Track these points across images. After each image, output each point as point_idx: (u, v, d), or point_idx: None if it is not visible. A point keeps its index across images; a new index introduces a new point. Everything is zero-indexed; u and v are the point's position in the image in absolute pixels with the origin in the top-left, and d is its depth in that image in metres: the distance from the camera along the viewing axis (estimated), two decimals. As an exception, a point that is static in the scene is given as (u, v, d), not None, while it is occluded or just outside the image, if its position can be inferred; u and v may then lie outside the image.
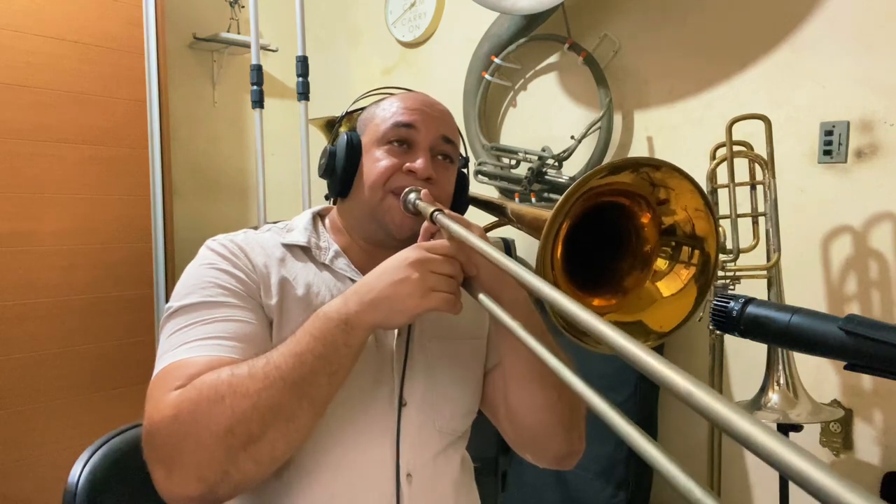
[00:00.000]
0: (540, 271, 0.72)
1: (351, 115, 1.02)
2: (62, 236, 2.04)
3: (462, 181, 0.99)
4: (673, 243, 0.79)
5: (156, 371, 0.77)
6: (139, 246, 2.20)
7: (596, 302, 0.80)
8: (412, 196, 0.86)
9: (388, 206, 0.89)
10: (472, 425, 0.98)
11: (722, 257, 1.52)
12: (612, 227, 0.81)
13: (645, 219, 0.79)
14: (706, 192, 1.54)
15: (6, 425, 1.93)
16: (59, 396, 2.03)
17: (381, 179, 0.89)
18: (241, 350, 0.77)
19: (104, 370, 2.11)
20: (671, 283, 0.79)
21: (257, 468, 0.71)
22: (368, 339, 0.77)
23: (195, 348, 0.76)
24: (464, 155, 1.01)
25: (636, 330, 0.78)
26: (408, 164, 0.89)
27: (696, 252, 0.77)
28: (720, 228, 1.55)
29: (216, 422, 0.68)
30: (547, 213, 0.77)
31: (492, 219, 1.08)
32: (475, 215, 1.10)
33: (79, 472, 0.90)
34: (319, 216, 1.01)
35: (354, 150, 0.92)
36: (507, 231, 2.11)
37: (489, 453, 1.94)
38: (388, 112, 0.92)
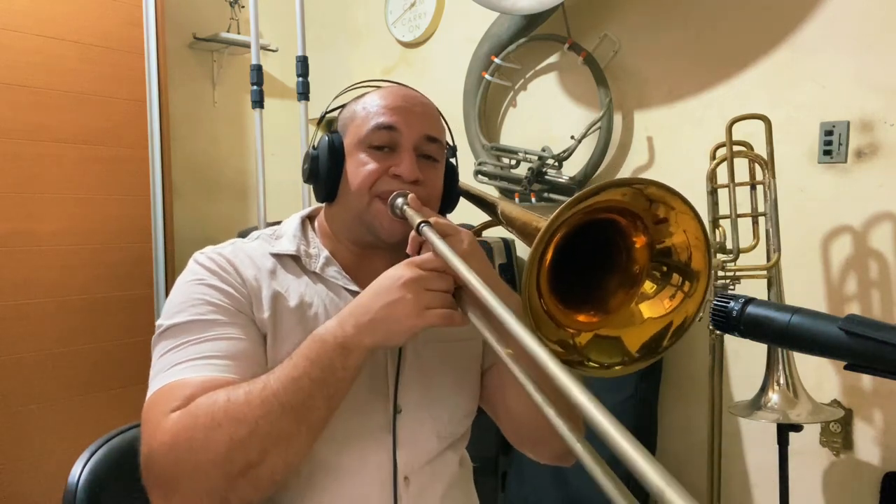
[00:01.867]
0: (526, 298, 0.71)
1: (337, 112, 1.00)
2: (62, 236, 2.04)
3: (451, 173, 0.97)
4: (664, 268, 0.77)
5: (149, 392, 0.76)
6: (139, 246, 2.20)
7: (581, 318, 0.79)
8: (399, 201, 0.84)
9: (376, 212, 0.87)
10: (473, 425, 0.98)
11: (722, 257, 1.52)
12: (604, 243, 0.80)
13: (638, 238, 0.77)
14: (706, 192, 1.55)
15: (6, 425, 1.93)
16: (59, 396, 2.03)
17: (367, 185, 0.87)
18: (234, 368, 0.77)
19: (104, 370, 2.11)
20: (654, 308, 0.77)
21: (256, 492, 0.71)
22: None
23: (188, 369, 0.75)
24: (451, 144, 0.98)
25: (613, 347, 0.77)
26: (393, 169, 0.87)
27: (686, 284, 0.75)
28: (719, 237, 1.55)
29: (214, 449, 0.68)
30: (537, 220, 0.76)
31: (486, 216, 1.07)
32: (469, 211, 1.09)
33: (79, 472, 0.91)
34: (309, 219, 0.99)
35: (337, 153, 0.90)
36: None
37: (489, 453, 1.94)
38: (368, 112, 0.90)
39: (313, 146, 0.93)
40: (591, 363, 0.75)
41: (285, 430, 0.70)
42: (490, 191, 2.26)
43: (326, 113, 1.01)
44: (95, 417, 2.08)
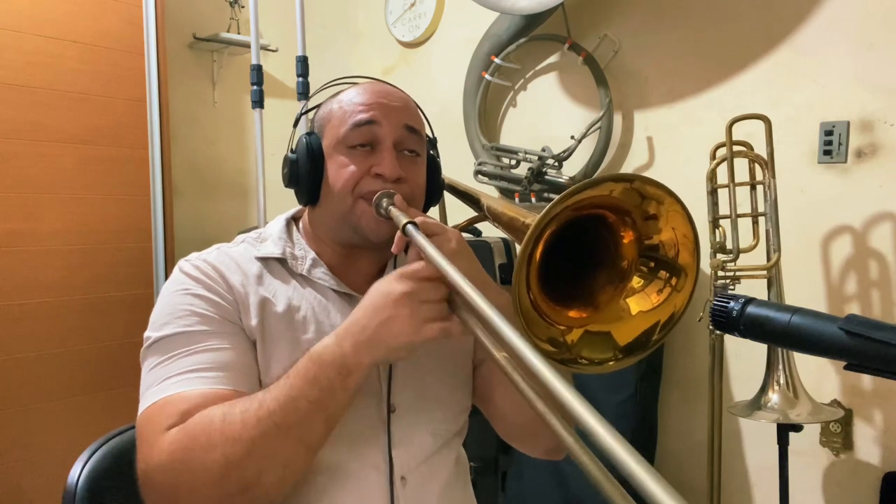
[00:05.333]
0: (516, 295, 0.71)
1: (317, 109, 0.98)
2: (62, 236, 2.04)
3: (433, 166, 0.96)
4: (652, 263, 0.77)
5: (142, 407, 0.76)
6: (139, 246, 2.20)
7: (571, 313, 0.79)
8: (384, 202, 0.83)
9: (361, 212, 0.86)
10: (473, 425, 0.97)
11: (722, 257, 1.52)
12: (592, 239, 0.80)
13: (626, 233, 0.77)
14: (706, 192, 1.55)
15: (6, 425, 1.93)
16: (59, 396, 2.03)
17: (349, 186, 0.86)
18: (226, 379, 0.77)
19: (104, 370, 2.11)
20: (642, 302, 0.77)
21: None
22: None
23: (179, 382, 0.75)
24: (430, 136, 0.97)
25: (604, 342, 0.77)
26: (374, 169, 0.86)
27: (674, 279, 0.75)
28: (712, 227, 1.55)
29: (210, 470, 0.68)
30: (525, 216, 0.75)
31: (474, 211, 1.05)
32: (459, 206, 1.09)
33: (78, 472, 0.90)
34: (294, 220, 0.98)
35: (315, 155, 0.88)
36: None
37: (489, 453, 1.94)
38: (345, 111, 0.88)
39: (291, 149, 0.92)
40: (583, 360, 0.75)
41: (282, 450, 0.70)
42: (490, 191, 2.26)
43: (302, 114, 1.00)
44: (95, 417, 2.08)
